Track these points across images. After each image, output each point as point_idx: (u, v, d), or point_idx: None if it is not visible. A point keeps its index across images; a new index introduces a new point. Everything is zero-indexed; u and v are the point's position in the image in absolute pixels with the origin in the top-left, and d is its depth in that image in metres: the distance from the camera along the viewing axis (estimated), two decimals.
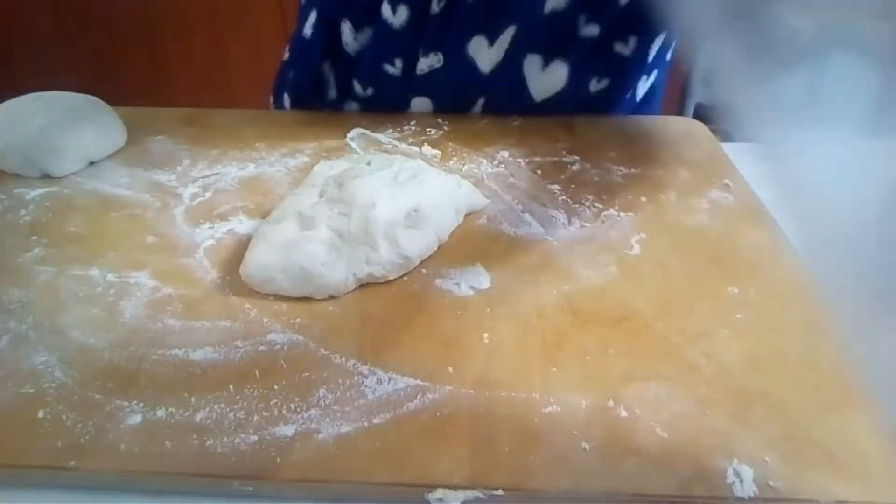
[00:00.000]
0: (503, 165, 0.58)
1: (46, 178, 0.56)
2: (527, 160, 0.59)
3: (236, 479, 0.30)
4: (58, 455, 0.31)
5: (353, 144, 0.62)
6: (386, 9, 0.65)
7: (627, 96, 0.70)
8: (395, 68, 0.68)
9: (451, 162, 0.58)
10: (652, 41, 0.66)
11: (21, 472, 0.31)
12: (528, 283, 0.43)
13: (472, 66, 0.65)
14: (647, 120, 0.67)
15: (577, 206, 0.52)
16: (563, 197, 0.53)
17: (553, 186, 0.55)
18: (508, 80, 0.66)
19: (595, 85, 0.67)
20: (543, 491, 0.30)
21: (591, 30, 0.62)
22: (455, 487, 0.30)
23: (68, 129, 0.56)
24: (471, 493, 0.30)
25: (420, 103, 0.69)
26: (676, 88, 2.25)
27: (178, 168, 0.58)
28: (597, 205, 0.52)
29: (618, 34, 0.64)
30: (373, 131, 0.64)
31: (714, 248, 0.47)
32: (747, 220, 0.50)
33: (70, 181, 0.56)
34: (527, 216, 0.50)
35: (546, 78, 0.66)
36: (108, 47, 1.99)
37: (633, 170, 0.57)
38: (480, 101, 0.69)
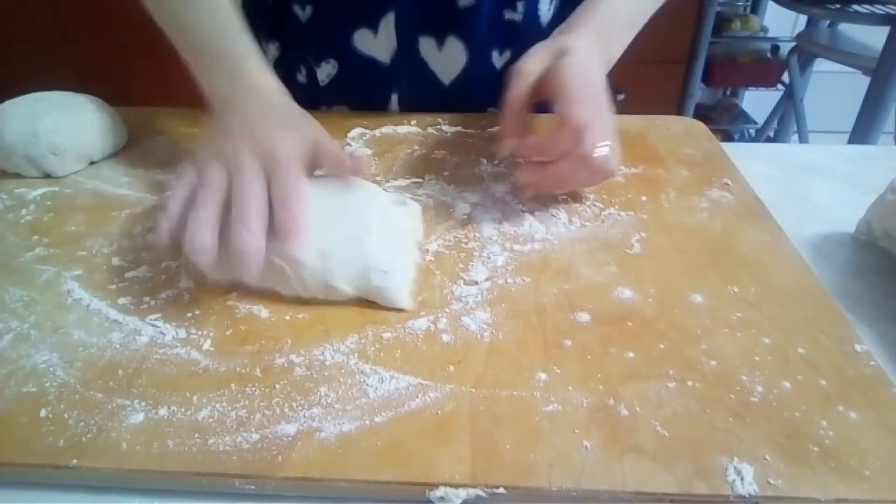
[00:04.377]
0: (503, 165, 0.58)
1: (47, 177, 0.56)
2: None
3: (238, 478, 0.31)
4: (60, 454, 0.31)
5: (354, 144, 0.62)
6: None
7: None
8: (302, 76, 0.70)
9: (452, 161, 0.59)
10: (538, 3, 0.66)
11: (23, 470, 0.31)
12: (529, 282, 0.43)
13: (369, 60, 0.66)
14: (647, 120, 0.67)
15: (578, 205, 0.52)
16: (564, 196, 0.53)
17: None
18: (411, 67, 0.67)
19: (498, 59, 0.68)
20: (544, 489, 0.30)
21: (468, 0, 0.63)
22: (456, 485, 0.30)
23: (69, 129, 0.56)
24: (472, 492, 0.30)
25: (337, 110, 0.71)
26: (677, 88, 2.26)
27: (178, 168, 0.57)
28: (597, 204, 0.52)
29: (505, 2, 0.65)
30: (372, 129, 0.64)
31: (714, 247, 0.47)
32: (747, 220, 0.50)
33: (71, 181, 0.56)
34: (527, 216, 0.50)
35: (445, 58, 0.67)
36: (108, 47, 1.99)
37: (633, 169, 0.57)
38: (394, 97, 0.69)
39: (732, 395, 0.34)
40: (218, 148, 0.43)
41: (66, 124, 0.56)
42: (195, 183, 0.41)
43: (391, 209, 0.46)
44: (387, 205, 0.46)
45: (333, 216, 0.43)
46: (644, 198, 0.53)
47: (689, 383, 0.35)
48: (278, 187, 0.40)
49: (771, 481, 0.30)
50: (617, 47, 0.53)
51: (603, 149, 0.45)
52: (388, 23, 0.64)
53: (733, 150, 0.61)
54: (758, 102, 2.46)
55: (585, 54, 0.48)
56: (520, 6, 0.65)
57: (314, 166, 0.45)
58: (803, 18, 2.27)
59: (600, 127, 0.45)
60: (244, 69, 0.48)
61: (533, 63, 0.49)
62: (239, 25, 0.51)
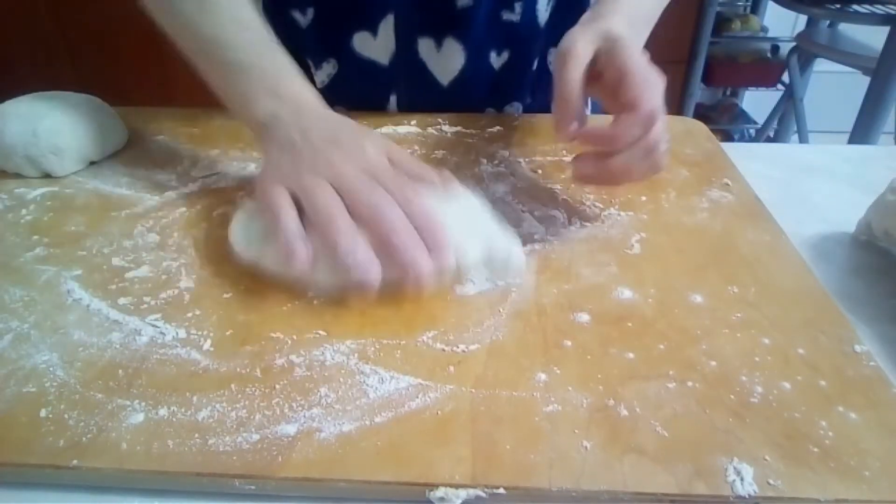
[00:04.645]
0: (503, 165, 0.58)
1: (47, 177, 0.56)
2: (527, 159, 0.59)
3: (238, 478, 0.30)
4: (60, 454, 0.31)
5: None
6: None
7: (534, 68, 0.70)
8: None
9: (452, 161, 0.59)
10: (535, 3, 0.66)
11: (23, 470, 0.31)
12: (529, 282, 0.43)
13: (368, 62, 0.66)
14: None
15: (578, 205, 0.52)
16: (564, 196, 0.53)
17: (553, 186, 0.55)
18: (410, 68, 0.66)
19: (496, 59, 0.68)
20: (544, 489, 0.30)
21: (466, 1, 0.62)
22: (456, 486, 0.30)
23: (68, 129, 0.56)
24: (472, 492, 0.30)
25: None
26: (677, 88, 2.26)
27: (178, 168, 0.58)
28: (597, 204, 0.52)
29: (502, 2, 0.64)
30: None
31: (714, 247, 0.47)
32: (747, 220, 0.50)
33: (71, 181, 0.56)
34: (527, 216, 0.50)
35: (444, 59, 0.66)
36: (108, 47, 1.99)
37: None
38: (393, 98, 0.69)
39: (732, 396, 0.34)
40: (305, 165, 0.41)
41: (66, 124, 0.56)
42: (303, 206, 0.40)
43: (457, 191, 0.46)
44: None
45: (440, 203, 0.42)
46: (644, 198, 0.53)
47: (689, 384, 0.35)
48: (405, 201, 0.39)
49: (771, 482, 0.30)
50: (643, 39, 0.51)
51: (666, 141, 0.44)
52: (387, 25, 0.64)
53: (733, 150, 0.61)
54: (758, 102, 2.47)
55: (632, 40, 0.46)
56: (517, 7, 0.65)
57: None
58: (803, 18, 2.27)
59: (664, 115, 0.43)
60: (286, 84, 0.46)
61: (583, 45, 0.45)
62: (271, 37, 0.48)
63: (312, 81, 0.69)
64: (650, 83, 0.43)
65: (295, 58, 0.69)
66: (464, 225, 0.43)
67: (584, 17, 0.50)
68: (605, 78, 0.46)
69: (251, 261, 0.43)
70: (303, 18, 0.65)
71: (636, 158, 0.43)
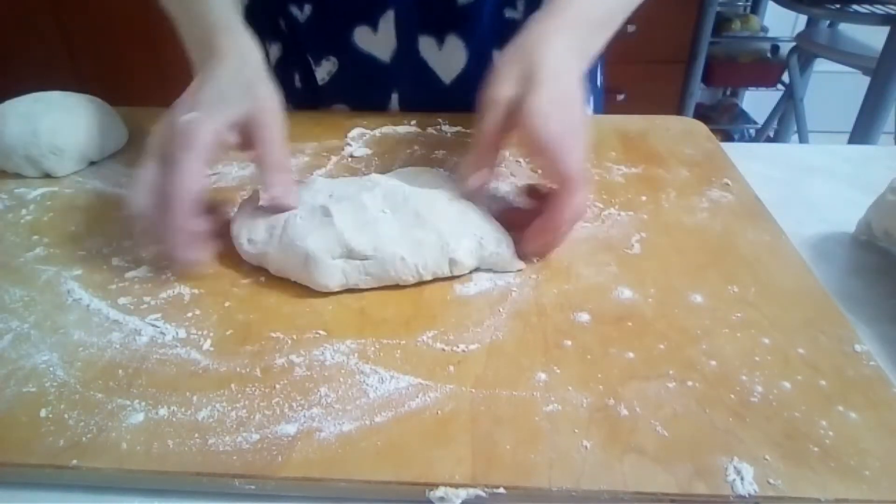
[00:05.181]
0: (503, 164, 0.58)
1: (47, 177, 0.56)
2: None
3: (238, 478, 0.31)
4: (60, 454, 0.31)
5: (354, 144, 0.62)
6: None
7: None
8: (297, 80, 0.70)
9: (452, 161, 0.59)
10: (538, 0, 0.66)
11: (23, 470, 0.31)
12: (529, 282, 0.43)
13: (369, 57, 0.66)
14: (647, 120, 0.67)
15: None
16: None
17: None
18: (411, 66, 0.66)
19: (499, 57, 0.67)
20: (544, 489, 0.30)
21: None
22: (456, 486, 0.30)
23: (69, 129, 0.56)
24: (472, 492, 0.30)
25: (337, 109, 0.70)
26: (677, 88, 2.26)
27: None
28: (597, 204, 0.52)
29: (505, 0, 0.64)
30: (372, 129, 0.64)
31: (714, 247, 0.47)
32: (747, 220, 0.50)
33: (71, 181, 0.56)
34: None
35: (445, 57, 0.66)
36: (108, 47, 1.99)
37: (633, 169, 0.57)
38: (395, 96, 0.69)
39: (732, 395, 0.34)
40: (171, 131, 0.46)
41: (66, 124, 0.56)
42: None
43: (452, 184, 0.48)
44: (448, 180, 0.49)
45: (430, 197, 0.45)
46: (644, 198, 0.53)
47: (689, 383, 0.35)
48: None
49: (771, 481, 0.30)
50: (597, 41, 0.49)
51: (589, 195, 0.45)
52: (387, 21, 0.64)
53: (733, 150, 0.61)
54: (758, 102, 2.47)
55: (556, 68, 0.44)
56: (520, 4, 0.65)
57: (249, 143, 0.46)
58: (803, 18, 2.27)
59: (583, 164, 0.42)
60: (214, 33, 0.47)
61: (503, 90, 0.44)
62: None
63: (313, 78, 0.69)
64: (564, 150, 0.41)
65: (295, 54, 0.69)
66: (455, 216, 0.44)
67: (532, 19, 0.47)
68: (520, 136, 0.44)
69: (254, 259, 0.43)
70: (300, 13, 0.65)
71: (574, 221, 0.44)
